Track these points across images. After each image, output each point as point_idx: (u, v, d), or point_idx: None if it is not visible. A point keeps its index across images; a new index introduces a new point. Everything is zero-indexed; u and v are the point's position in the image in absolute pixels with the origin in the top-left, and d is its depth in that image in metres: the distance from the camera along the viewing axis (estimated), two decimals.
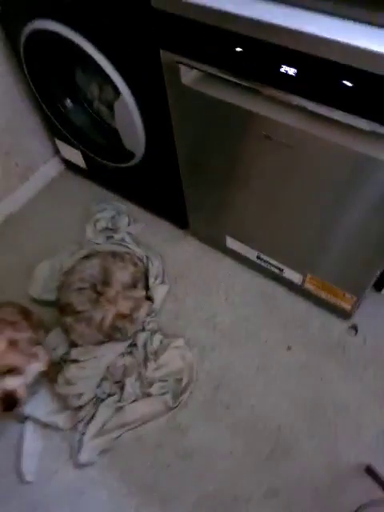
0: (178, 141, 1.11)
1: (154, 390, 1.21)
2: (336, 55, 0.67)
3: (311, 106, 0.76)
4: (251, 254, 1.32)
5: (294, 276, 1.26)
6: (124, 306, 1.25)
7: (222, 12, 0.73)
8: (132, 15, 0.87)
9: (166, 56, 0.89)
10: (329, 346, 1.26)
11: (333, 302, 1.23)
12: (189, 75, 0.90)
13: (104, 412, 1.19)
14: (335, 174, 0.86)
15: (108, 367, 1.25)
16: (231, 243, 1.35)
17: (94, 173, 1.64)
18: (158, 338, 1.30)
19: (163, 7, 0.80)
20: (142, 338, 1.30)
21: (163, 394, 1.21)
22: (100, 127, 1.43)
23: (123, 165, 1.36)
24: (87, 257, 1.40)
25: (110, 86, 1.09)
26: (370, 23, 0.65)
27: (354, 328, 1.29)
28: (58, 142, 1.61)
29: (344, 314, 1.27)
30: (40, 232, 1.60)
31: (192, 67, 0.86)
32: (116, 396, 1.21)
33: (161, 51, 0.88)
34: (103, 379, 1.23)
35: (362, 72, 0.66)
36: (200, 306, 1.38)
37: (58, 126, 1.45)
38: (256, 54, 0.76)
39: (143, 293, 1.34)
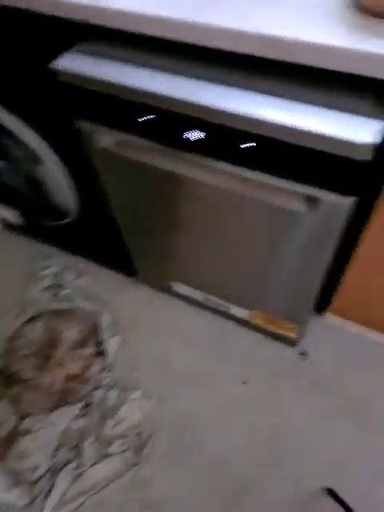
0: (110, 197, 1.12)
1: (114, 448, 1.18)
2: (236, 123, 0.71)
3: (220, 165, 0.80)
4: (199, 295, 1.34)
5: (241, 312, 1.29)
6: (73, 367, 1.23)
7: (122, 86, 0.77)
8: (43, 86, 0.90)
9: (80, 123, 0.91)
10: (282, 374, 1.28)
11: (279, 332, 1.26)
12: (106, 139, 0.92)
13: (62, 481, 1.14)
14: (259, 223, 0.90)
15: (63, 433, 1.21)
16: (179, 288, 1.37)
17: (33, 230, 1.62)
18: (114, 393, 1.28)
19: (70, 80, 0.83)
20: (97, 396, 1.27)
21: (124, 451, 1.17)
22: (34, 186, 1.42)
23: (60, 222, 1.36)
24: (32, 319, 1.37)
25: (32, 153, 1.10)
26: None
27: (304, 354, 1.32)
28: None
29: (291, 342, 1.30)
30: None
31: (104, 133, 0.89)
32: (74, 462, 1.16)
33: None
34: (60, 446, 1.19)
35: (258, 136, 0.71)
36: (154, 352, 1.37)
37: None
38: (156, 121, 0.79)
39: (93, 349, 1.32)
